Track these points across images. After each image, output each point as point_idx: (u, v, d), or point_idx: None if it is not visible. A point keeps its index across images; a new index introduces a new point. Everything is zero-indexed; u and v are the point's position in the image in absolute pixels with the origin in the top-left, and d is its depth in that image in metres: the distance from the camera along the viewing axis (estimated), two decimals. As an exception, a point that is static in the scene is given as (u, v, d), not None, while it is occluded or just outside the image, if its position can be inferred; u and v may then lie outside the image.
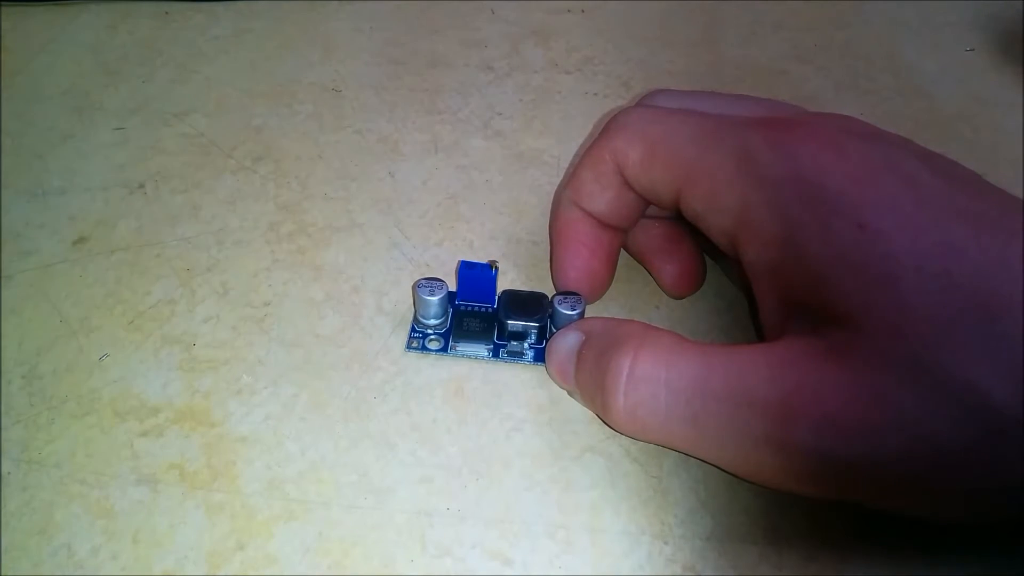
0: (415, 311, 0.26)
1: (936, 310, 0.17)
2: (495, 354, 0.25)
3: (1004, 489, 0.17)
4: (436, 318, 0.25)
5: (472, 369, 0.25)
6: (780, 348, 0.19)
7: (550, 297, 0.25)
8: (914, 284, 0.17)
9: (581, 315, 0.25)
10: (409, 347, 0.25)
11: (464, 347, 0.25)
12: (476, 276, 0.25)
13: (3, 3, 0.40)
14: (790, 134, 0.20)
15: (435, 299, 0.25)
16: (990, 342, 0.17)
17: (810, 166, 0.20)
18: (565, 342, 0.23)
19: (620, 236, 0.26)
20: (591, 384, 0.22)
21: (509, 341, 0.25)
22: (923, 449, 0.17)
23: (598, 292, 0.26)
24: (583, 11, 0.42)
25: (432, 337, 0.25)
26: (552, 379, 0.24)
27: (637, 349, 0.21)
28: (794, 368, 0.19)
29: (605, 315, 0.26)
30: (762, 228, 0.20)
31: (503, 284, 0.27)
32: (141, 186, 0.31)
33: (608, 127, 0.24)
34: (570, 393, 0.24)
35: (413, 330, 0.26)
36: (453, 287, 0.26)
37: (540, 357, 0.25)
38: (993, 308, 0.17)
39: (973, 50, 0.39)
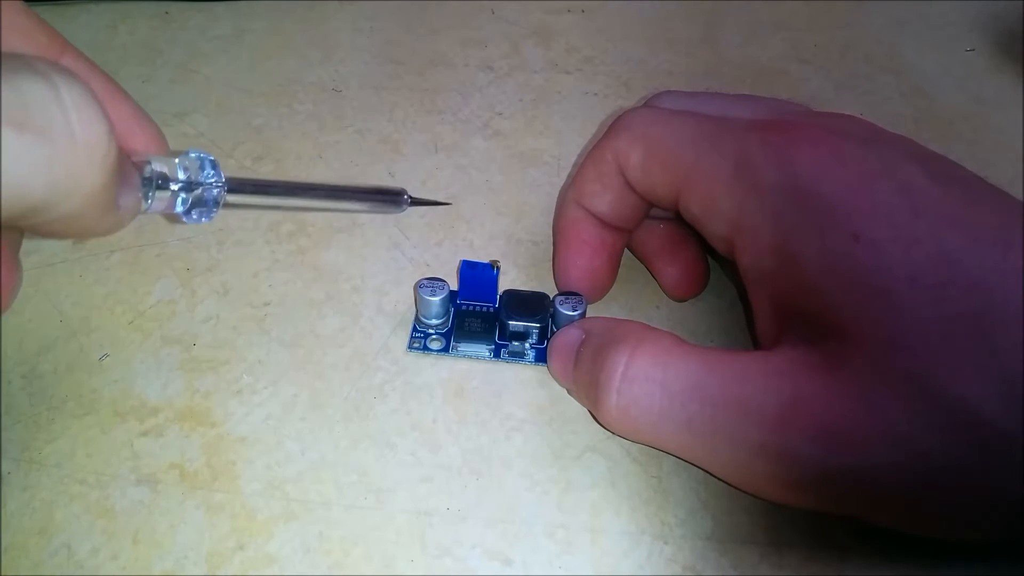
0: (416, 311, 0.26)
1: (929, 324, 0.17)
2: (496, 354, 0.25)
3: (998, 506, 0.17)
4: (438, 318, 0.25)
5: (472, 369, 0.25)
6: (777, 357, 0.19)
7: (551, 297, 0.25)
8: (907, 297, 0.17)
9: (582, 315, 0.25)
10: (411, 347, 0.25)
11: (466, 347, 0.25)
12: (477, 276, 0.25)
13: (3, 3, 0.40)
14: (787, 138, 0.20)
15: (437, 299, 0.25)
16: (983, 356, 0.16)
17: (806, 172, 0.19)
18: (566, 339, 0.23)
19: (623, 237, 0.26)
20: (587, 381, 0.22)
21: (510, 341, 0.25)
22: (915, 465, 0.17)
23: (600, 292, 0.26)
24: (583, 11, 0.42)
25: (434, 337, 0.25)
26: (553, 377, 0.24)
27: (634, 348, 0.21)
28: (791, 378, 0.19)
29: (606, 315, 0.26)
30: (757, 235, 0.20)
31: (503, 284, 0.27)
32: (141, 186, 0.31)
33: (611, 128, 0.24)
34: (570, 391, 0.24)
35: (415, 330, 0.26)
36: (454, 287, 0.26)
37: (541, 357, 0.25)
38: (987, 321, 0.17)
39: (973, 50, 0.39)
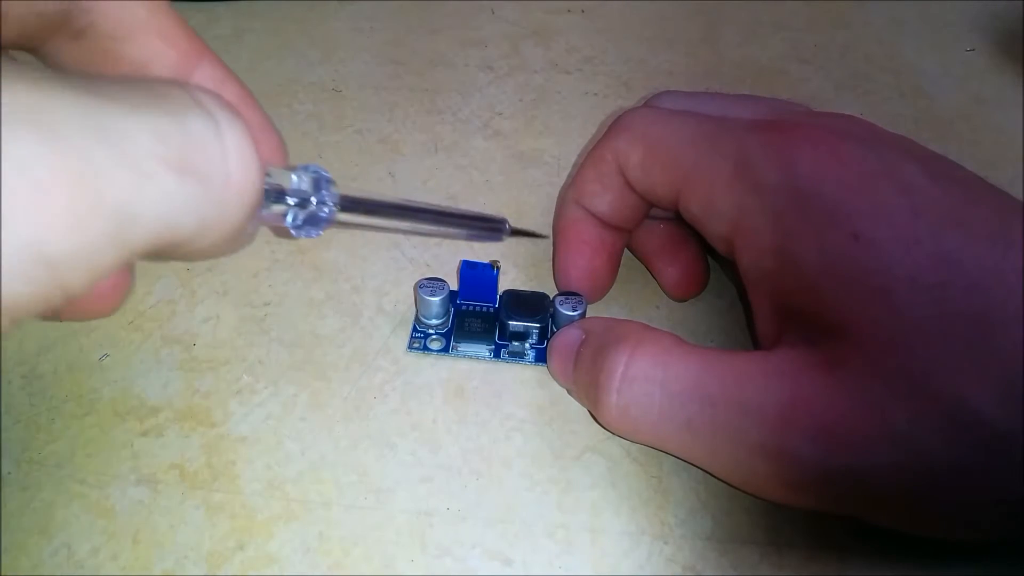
0: (416, 311, 0.26)
1: (929, 323, 0.17)
2: (496, 354, 0.25)
3: (998, 506, 0.17)
4: (438, 318, 0.25)
5: (472, 369, 0.25)
6: (777, 357, 0.19)
7: (551, 297, 0.25)
8: (907, 296, 0.17)
9: (582, 315, 0.25)
10: (411, 347, 0.25)
11: (466, 347, 0.25)
12: (477, 276, 0.25)
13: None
14: (787, 138, 0.20)
15: (437, 299, 0.25)
16: (982, 356, 0.16)
17: (806, 172, 0.19)
18: (566, 339, 0.23)
19: (623, 237, 0.26)
20: (587, 381, 0.22)
21: (510, 341, 0.25)
22: (915, 464, 0.17)
23: (600, 292, 0.26)
24: (583, 11, 0.42)
25: (434, 337, 0.25)
26: (553, 377, 0.24)
27: (634, 348, 0.21)
28: (791, 378, 0.19)
29: (606, 315, 0.26)
30: (757, 235, 0.20)
31: (504, 284, 0.27)
32: (141, 186, 0.31)
33: (611, 128, 0.24)
34: (570, 391, 0.24)
35: (415, 330, 0.26)
36: (454, 287, 0.26)
37: (541, 357, 0.25)
38: (986, 321, 0.17)
39: (973, 50, 0.39)
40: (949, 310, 0.17)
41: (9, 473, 0.22)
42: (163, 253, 0.14)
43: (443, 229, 0.22)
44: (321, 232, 0.18)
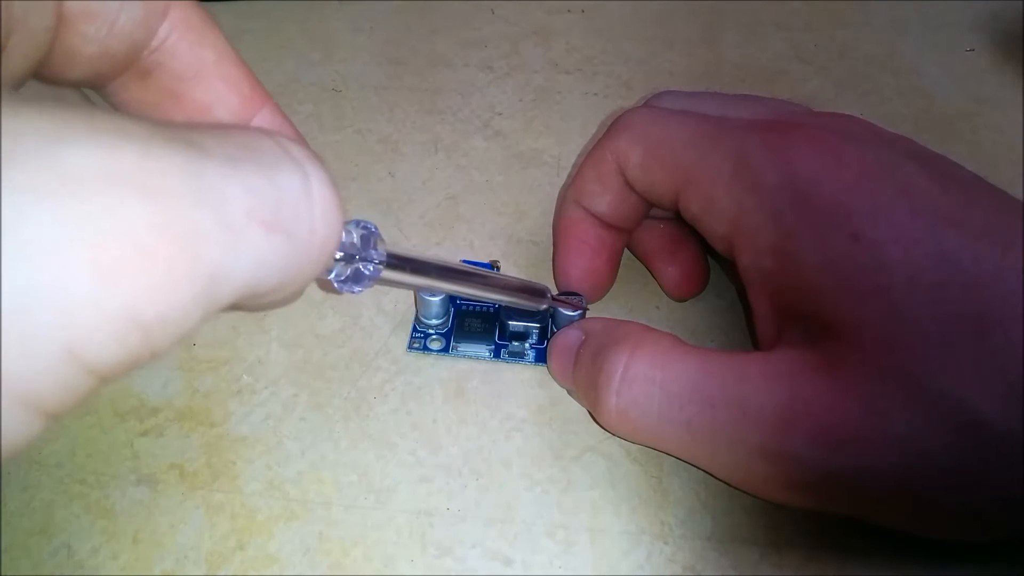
0: (416, 311, 0.26)
1: (928, 323, 0.17)
2: (496, 354, 0.25)
3: (998, 505, 0.17)
4: (438, 318, 0.25)
5: (472, 369, 0.25)
6: (776, 358, 0.19)
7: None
8: (906, 296, 0.17)
9: (582, 315, 0.25)
10: (411, 347, 0.25)
11: (465, 347, 0.25)
12: (476, 276, 0.25)
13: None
14: (787, 138, 0.20)
15: (437, 299, 0.25)
16: (981, 356, 0.16)
17: (805, 172, 0.19)
18: (566, 340, 0.23)
19: (623, 237, 0.26)
20: (586, 382, 0.22)
21: (510, 341, 0.25)
22: (915, 465, 0.17)
23: (600, 292, 0.26)
24: (583, 11, 0.42)
25: (434, 337, 0.25)
26: (553, 377, 0.24)
27: (633, 349, 0.21)
28: (790, 379, 0.19)
29: (606, 315, 0.26)
30: (756, 234, 0.20)
31: (503, 284, 0.27)
32: (141, 186, 0.31)
33: (611, 128, 0.24)
34: (570, 392, 0.24)
35: (415, 330, 0.26)
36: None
37: (541, 357, 0.25)
38: (985, 321, 0.17)
39: (973, 50, 0.39)
40: (949, 310, 0.17)
41: (9, 473, 0.22)
42: (235, 307, 0.13)
43: (486, 293, 0.22)
44: (363, 289, 0.18)
